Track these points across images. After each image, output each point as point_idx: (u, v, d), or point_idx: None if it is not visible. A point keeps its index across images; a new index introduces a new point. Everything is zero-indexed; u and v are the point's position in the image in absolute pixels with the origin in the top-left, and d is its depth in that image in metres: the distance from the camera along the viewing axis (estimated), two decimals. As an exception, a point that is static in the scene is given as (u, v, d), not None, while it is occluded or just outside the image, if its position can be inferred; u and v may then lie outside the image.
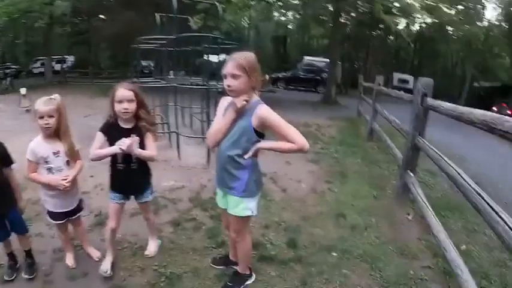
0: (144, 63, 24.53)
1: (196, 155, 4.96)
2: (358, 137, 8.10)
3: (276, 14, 24.66)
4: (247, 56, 1.94)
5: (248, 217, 2.21)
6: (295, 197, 4.20)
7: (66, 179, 2.31)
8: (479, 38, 22.28)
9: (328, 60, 19.62)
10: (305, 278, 2.64)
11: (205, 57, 6.66)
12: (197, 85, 6.25)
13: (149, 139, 2.40)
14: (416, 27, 17.54)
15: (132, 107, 2.28)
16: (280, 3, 18.34)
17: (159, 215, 3.50)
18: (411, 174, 3.89)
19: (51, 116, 2.22)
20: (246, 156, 2.02)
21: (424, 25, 17.44)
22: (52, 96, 2.27)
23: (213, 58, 5.60)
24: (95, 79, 22.54)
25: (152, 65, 15.81)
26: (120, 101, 2.24)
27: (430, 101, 3.46)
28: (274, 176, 4.80)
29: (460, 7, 18.84)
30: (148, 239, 2.90)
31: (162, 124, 6.23)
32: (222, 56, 5.90)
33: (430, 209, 3.16)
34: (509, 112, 18.26)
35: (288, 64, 33.54)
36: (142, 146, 2.33)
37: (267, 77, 23.50)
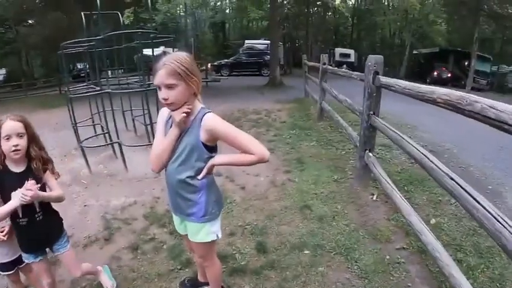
0: (80, 65, 23.00)
1: (145, 163, 4.52)
2: (309, 118, 8.00)
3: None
4: (180, 59, 1.57)
5: (213, 241, 1.94)
6: (256, 194, 3.98)
7: (2, 231, 1.95)
8: (415, 7, 23.13)
9: (269, 41, 19.54)
10: (282, 284, 2.47)
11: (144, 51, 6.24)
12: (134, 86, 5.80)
13: (50, 179, 1.98)
14: (352, 1, 17.84)
15: (23, 143, 1.83)
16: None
17: (113, 240, 3.15)
18: (370, 154, 3.81)
19: None
20: (199, 177, 1.72)
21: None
22: None
23: (149, 52, 5.22)
24: (29, 91, 20.73)
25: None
26: (8, 137, 1.78)
27: (383, 79, 3.35)
28: (230, 174, 4.51)
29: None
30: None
31: (103, 134, 5.72)
32: (159, 49, 5.53)
33: (394, 187, 3.10)
34: (449, 75, 19.44)
35: (229, 50, 33.14)
36: (43, 188, 1.92)
37: (210, 65, 23.16)
